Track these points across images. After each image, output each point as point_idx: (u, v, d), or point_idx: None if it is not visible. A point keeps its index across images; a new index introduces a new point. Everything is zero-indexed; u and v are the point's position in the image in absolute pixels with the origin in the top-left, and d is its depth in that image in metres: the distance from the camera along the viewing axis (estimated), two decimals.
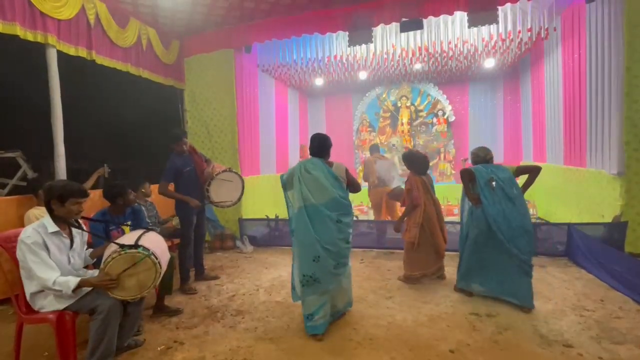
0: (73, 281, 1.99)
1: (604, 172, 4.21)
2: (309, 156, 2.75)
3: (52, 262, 2.02)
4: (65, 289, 1.97)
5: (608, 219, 4.08)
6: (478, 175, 3.03)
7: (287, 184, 2.71)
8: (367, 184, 5.54)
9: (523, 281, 2.87)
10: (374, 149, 5.76)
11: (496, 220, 2.88)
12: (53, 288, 1.97)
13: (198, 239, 3.77)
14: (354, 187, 2.76)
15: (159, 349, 2.44)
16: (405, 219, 3.54)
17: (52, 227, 2.09)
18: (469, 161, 3.45)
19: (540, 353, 2.24)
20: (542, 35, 5.17)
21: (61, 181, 2.19)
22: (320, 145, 2.71)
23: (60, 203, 2.09)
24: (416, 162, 3.59)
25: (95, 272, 2.29)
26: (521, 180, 3.09)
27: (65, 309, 2.06)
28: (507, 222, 2.87)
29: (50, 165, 4.06)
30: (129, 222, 2.87)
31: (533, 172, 3.07)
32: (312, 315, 2.52)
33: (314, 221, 2.48)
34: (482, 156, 3.21)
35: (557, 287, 3.30)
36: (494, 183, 2.97)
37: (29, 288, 2.06)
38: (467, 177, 3.10)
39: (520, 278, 2.87)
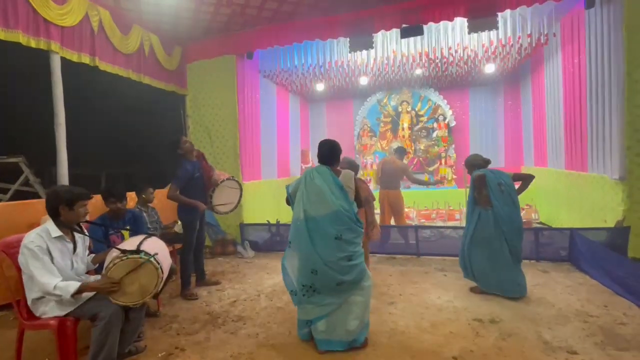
0: (73, 286, 1.98)
1: (606, 177, 4.21)
2: (310, 162, 2.72)
3: (53, 267, 2.02)
4: (64, 294, 1.96)
5: (610, 223, 4.07)
6: (489, 179, 3.27)
7: (292, 196, 2.52)
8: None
9: (519, 273, 3.23)
10: (400, 151, 5.64)
11: (504, 221, 3.18)
12: (54, 293, 1.96)
13: (198, 244, 3.76)
14: (357, 199, 2.46)
15: (160, 355, 2.42)
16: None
17: (56, 231, 2.10)
18: (465, 168, 3.64)
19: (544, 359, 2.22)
20: (542, 41, 5.20)
21: (64, 186, 2.21)
22: (330, 152, 2.46)
23: (69, 207, 2.12)
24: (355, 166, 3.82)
25: (97, 277, 2.29)
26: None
27: (66, 315, 2.06)
28: (511, 223, 3.20)
29: (52, 170, 4.07)
30: (128, 227, 2.87)
31: (527, 179, 3.43)
32: (311, 322, 2.37)
33: (313, 236, 2.30)
34: (481, 161, 3.46)
35: (560, 293, 3.29)
36: (502, 187, 3.25)
37: (31, 294, 2.06)
38: (481, 181, 3.29)
39: (518, 271, 3.23)
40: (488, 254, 3.23)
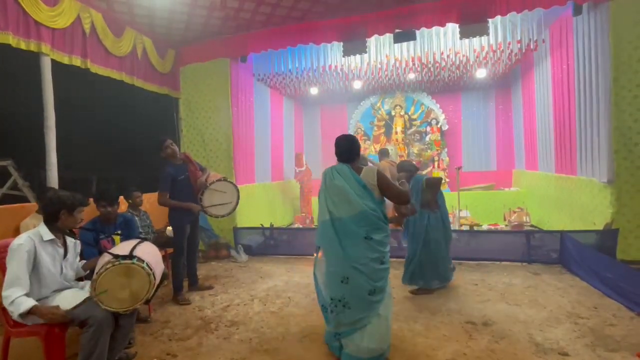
0: (25, 305, 1.90)
1: (595, 180, 4.28)
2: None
3: (27, 278, 1.96)
4: (15, 310, 1.90)
5: (599, 226, 4.13)
6: None
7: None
8: None
9: (449, 259, 3.59)
10: (385, 153, 5.58)
11: (446, 219, 3.55)
12: (7, 307, 1.91)
13: (191, 249, 3.72)
14: (392, 194, 2.26)
15: None
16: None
17: (48, 235, 2.07)
18: (401, 173, 3.81)
19: None
20: (532, 47, 5.30)
21: (65, 191, 2.20)
22: (348, 149, 2.31)
23: (69, 213, 2.12)
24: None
25: (87, 284, 2.26)
26: None
27: None
28: (448, 220, 3.60)
29: (41, 174, 4.01)
30: (119, 232, 2.83)
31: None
32: (339, 334, 2.20)
33: (341, 237, 2.16)
34: (414, 167, 3.69)
35: (551, 295, 3.32)
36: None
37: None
38: (438, 185, 3.56)
39: (449, 262, 3.59)
40: (433, 252, 3.42)
